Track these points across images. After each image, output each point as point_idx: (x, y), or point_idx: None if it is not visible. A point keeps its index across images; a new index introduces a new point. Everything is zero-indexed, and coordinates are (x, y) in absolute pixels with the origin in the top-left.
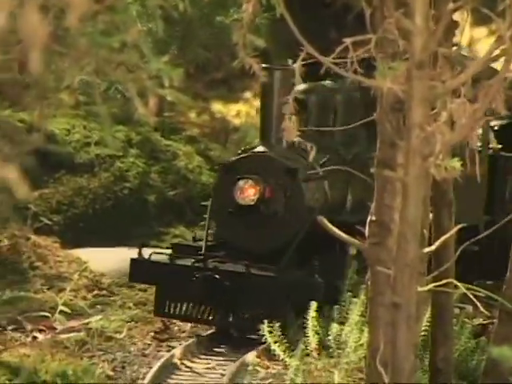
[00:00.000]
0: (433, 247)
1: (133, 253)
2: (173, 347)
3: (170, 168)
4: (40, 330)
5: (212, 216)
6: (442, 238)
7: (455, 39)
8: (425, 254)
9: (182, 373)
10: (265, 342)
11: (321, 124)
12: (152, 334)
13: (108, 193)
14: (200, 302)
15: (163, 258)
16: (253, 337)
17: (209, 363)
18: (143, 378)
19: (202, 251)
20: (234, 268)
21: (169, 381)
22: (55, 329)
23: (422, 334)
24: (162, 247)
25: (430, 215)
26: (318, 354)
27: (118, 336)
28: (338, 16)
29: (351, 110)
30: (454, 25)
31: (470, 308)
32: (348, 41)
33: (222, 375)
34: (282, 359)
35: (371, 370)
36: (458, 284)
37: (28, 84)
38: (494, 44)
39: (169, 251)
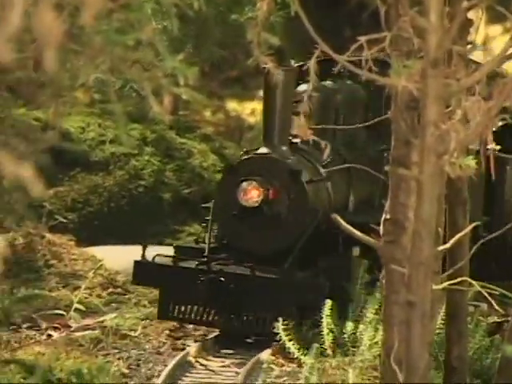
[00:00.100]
0: (447, 245)
1: (148, 251)
2: (188, 345)
3: (185, 166)
4: (55, 328)
5: (215, 218)
6: (457, 236)
7: (470, 37)
8: (439, 252)
9: (196, 371)
10: (271, 343)
11: (322, 124)
12: (167, 331)
13: (123, 191)
14: (205, 304)
15: (167, 260)
16: (256, 338)
17: (223, 361)
18: (158, 376)
19: (206, 253)
20: (239, 270)
21: (184, 379)
22: (70, 327)
23: (437, 332)
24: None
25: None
26: (333, 352)
27: (132, 334)
28: (353, 14)
29: (352, 110)
30: (469, 23)
31: (484, 306)
32: (363, 39)
33: (237, 373)
34: (297, 357)
35: (386, 368)
36: (473, 282)
37: (43, 82)
38: (508, 42)
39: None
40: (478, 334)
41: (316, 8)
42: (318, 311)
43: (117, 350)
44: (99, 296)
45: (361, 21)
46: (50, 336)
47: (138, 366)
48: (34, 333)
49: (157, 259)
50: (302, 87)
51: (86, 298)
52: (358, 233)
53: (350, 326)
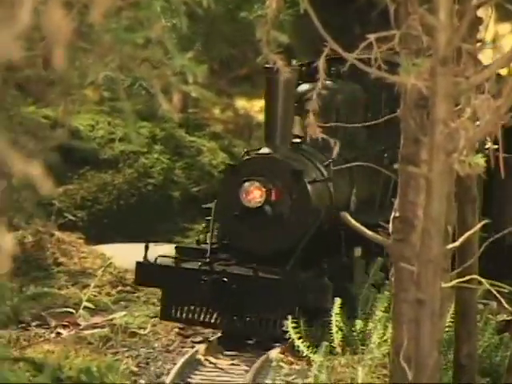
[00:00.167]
0: (457, 243)
1: (157, 249)
2: (197, 343)
3: (194, 164)
4: (64, 326)
5: (216, 218)
6: (466, 235)
7: (479, 35)
8: (449, 251)
9: (205, 369)
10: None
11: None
12: (176, 329)
13: (132, 189)
14: (208, 305)
15: (169, 261)
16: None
17: (233, 359)
18: (167, 374)
19: (208, 254)
20: (242, 271)
21: (193, 377)
22: (79, 325)
23: (446, 330)
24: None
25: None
26: (342, 351)
27: (142, 332)
28: (362, 12)
29: (352, 110)
30: (478, 21)
31: (493, 304)
32: (372, 37)
33: (246, 371)
34: (306, 355)
35: (395, 366)
36: (482, 280)
37: (52, 80)
38: None
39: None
40: (488, 332)
41: (325, 6)
42: (327, 312)
43: (126, 348)
44: (108, 294)
45: (370, 19)
46: (59, 334)
47: (148, 364)
48: (43, 331)
49: (159, 260)
50: (303, 87)
51: (95, 296)
52: (368, 231)
53: (359, 324)
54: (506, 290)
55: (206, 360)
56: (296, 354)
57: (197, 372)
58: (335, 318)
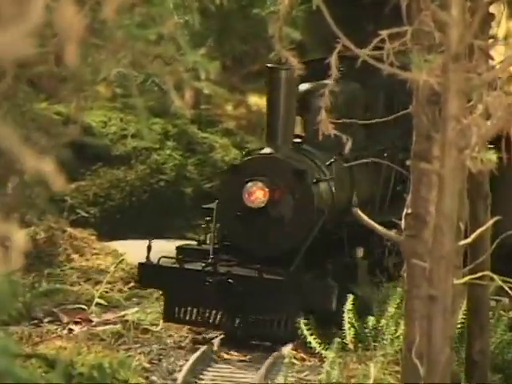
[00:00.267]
0: (469, 240)
1: (170, 245)
2: (209, 339)
3: (207, 160)
4: (76, 323)
5: (218, 218)
6: (478, 231)
7: (491, 31)
8: (461, 247)
9: (218, 365)
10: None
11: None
12: (188, 326)
13: (144, 185)
14: (212, 306)
15: (172, 262)
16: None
17: (245, 355)
18: (179, 371)
19: (211, 255)
20: (246, 272)
21: (205, 373)
22: (91, 321)
23: (458, 326)
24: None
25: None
26: (354, 347)
27: (154, 328)
28: (374, 8)
29: (352, 110)
30: (490, 17)
31: (506, 300)
32: (384, 33)
33: (258, 368)
34: (318, 352)
35: (407, 362)
36: (494, 277)
37: (65, 77)
38: None
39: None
40: (500, 328)
41: (337, 2)
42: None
43: (138, 345)
44: (120, 290)
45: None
46: (71, 330)
47: (160, 360)
48: (55, 327)
49: (162, 261)
50: (303, 86)
51: (107, 292)
52: (380, 228)
53: (371, 320)
54: None
55: (219, 356)
56: (308, 350)
57: (209, 368)
58: (347, 315)
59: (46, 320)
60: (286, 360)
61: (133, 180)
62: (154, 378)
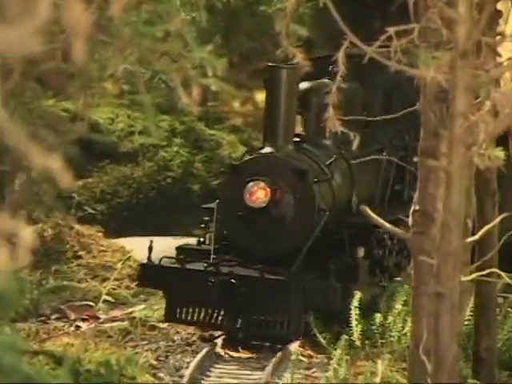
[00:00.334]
0: (476, 237)
1: (177, 242)
2: (216, 336)
3: (214, 157)
4: (83, 320)
5: (218, 218)
6: (486, 228)
7: (499, 28)
8: (468, 244)
9: (225, 362)
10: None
11: (323, 123)
12: None
13: (152, 182)
14: (215, 307)
15: (173, 262)
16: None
17: (252, 352)
18: (187, 367)
19: (212, 255)
20: (248, 272)
21: (212, 370)
22: (98, 318)
23: (466, 323)
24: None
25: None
26: (362, 344)
27: (161, 325)
28: (382, 5)
29: (351, 109)
30: (498, 14)
31: None
32: (391, 30)
33: (266, 365)
34: (326, 349)
35: (414, 359)
36: (502, 274)
37: (72, 73)
38: None
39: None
40: (507, 325)
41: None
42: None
43: (145, 342)
44: (128, 287)
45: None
46: (78, 327)
47: (167, 357)
48: (62, 324)
49: (163, 261)
50: (304, 85)
51: (114, 289)
52: (388, 225)
53: (378, 317)
54: None
55: (226, 353)
56: (315, 347)
57: (216, 365)
58: (354, 312)
59: (53, 317)
60: (293, 357)
61: (140, 177)
62: (161, 374)
